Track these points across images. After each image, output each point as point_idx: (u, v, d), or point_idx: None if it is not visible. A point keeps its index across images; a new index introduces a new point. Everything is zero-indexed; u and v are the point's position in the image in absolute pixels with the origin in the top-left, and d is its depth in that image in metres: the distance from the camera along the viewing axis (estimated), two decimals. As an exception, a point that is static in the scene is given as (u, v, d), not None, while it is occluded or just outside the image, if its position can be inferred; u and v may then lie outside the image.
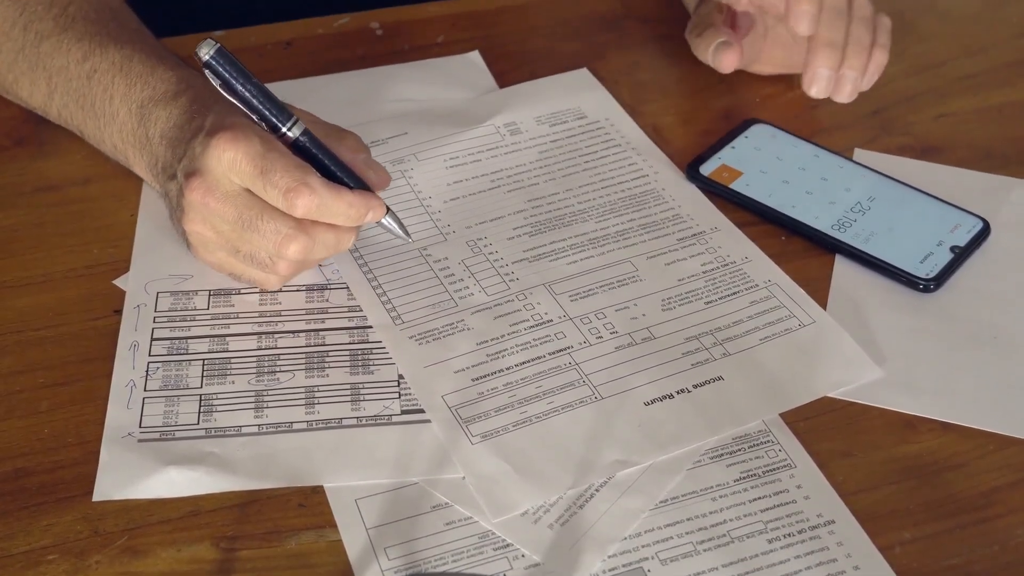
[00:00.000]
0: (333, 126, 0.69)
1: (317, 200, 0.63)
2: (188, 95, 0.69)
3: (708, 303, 0.70)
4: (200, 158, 0.64)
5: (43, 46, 0.73)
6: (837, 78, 0.77)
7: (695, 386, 0.66)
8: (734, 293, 0.71)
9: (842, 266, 0.73)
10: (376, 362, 0.67)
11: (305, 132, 0.66)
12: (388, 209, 0.68)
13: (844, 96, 0.77)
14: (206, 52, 0.64)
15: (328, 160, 0.66)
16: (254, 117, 0.65)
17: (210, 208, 0.64)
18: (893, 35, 0.82)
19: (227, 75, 0.64)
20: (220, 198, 0.64)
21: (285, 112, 0.65)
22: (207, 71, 0.64)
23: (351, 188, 0.66)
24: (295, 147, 0.66)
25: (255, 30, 0.89)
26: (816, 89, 0.77)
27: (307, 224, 0.65)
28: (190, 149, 0.65)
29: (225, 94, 0.65)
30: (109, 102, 0.71)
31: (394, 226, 0.69)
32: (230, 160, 0.63)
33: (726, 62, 0.78)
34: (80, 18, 0.74)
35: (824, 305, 0.70)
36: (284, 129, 0.65)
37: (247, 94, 0.65)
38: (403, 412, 0.64)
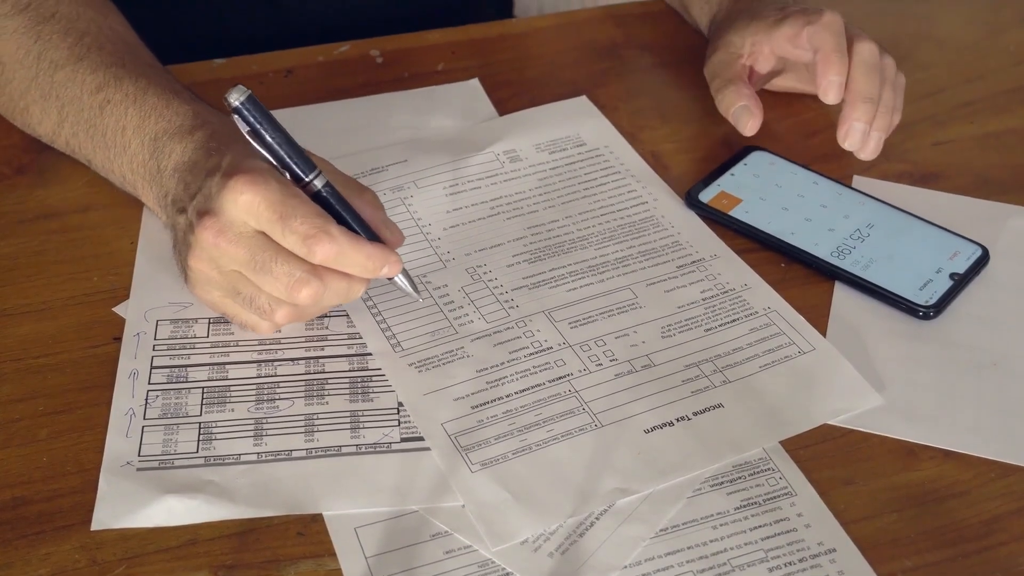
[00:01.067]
0: (352, 180, 0.69)
1: (336, 248, 0.63)
2: (204, 131, 0.69)
3: (708, 330, 0.70)
4: (215, 198, 0.64)
5: (57, 75, 0.74)
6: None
7: (695, 413, 0.65)
8: (734, 320, 0.71)
9: (842, 293, 0.73)
10: (375, 390, 0.67)
11: (327, 185, 0.66)
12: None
13: (868, 153, 0.79)
14: (236, 98, 0.64)
15: (347, 214, 0.66)
16: (277, 165, 0.65)
17: (220, 248, 0.64)
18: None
19: (255, 122, 0.65)
20: (232, 239, 0.64)
21: (309, 163, 0.66)
22: (236, 116, 0.65)
23: (369, 240, 0.66)
24: (316, 199, 0.66)
25: (256, 58, 0.89)
26: (851, 142, 0.78)
27: (320, 270, 0.64)
28: (205, 187, 0.65)
29: (252, 141, 0.65)
30: (121, 133, 0.72)
31: (405, 284, 0.69)
32: (247, 203, 0.63)
33: (748, 128, 0.80)
34: (95, 49, 0.74)
35: (824, 332, 0.70)
36: (308, 179, 0.66)
37: (273, 142, 0.65)
38: (402, 440, 0.64)
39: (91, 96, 0.73)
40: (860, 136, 0.78)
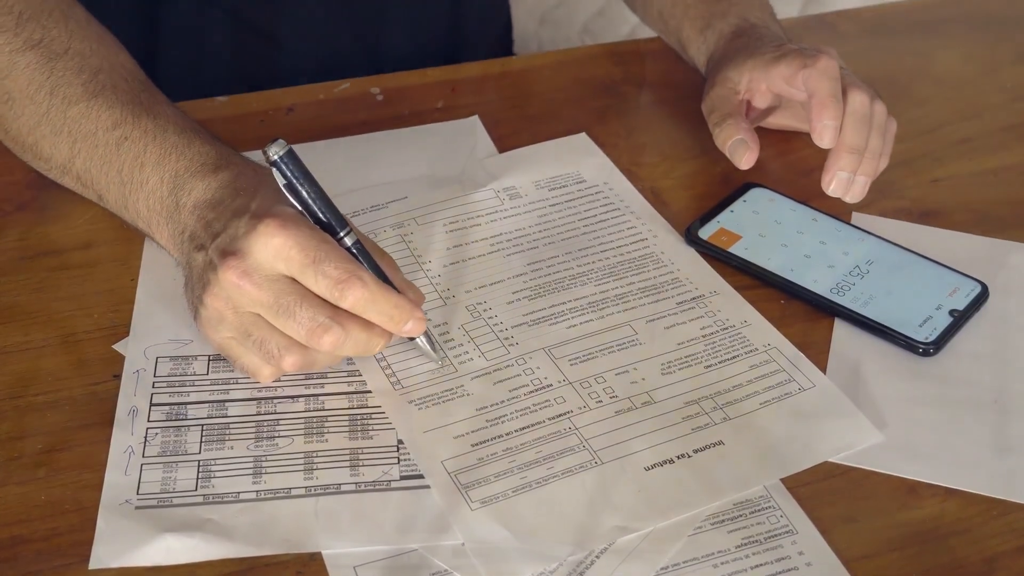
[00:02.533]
0: (372, 242, 0.69)
1: (368, 293, 0.64)
2: (230, 171, 0.69)
3: (708, 367, 0.70)
4: (243, 239, 0.64)
5: (71, 111, 0.74)
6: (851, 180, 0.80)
7: (695, 451, 0.65)
8: (734, 357, 0.71)
9: (841, 330, 0.73)
10: (375, 427, 0.67)
11: (357, 242, 0.66)
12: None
13: (853, 197, 0.80)
14: (275, 152, 0.65)
15: (375, 272, 0.67)
16: (310, 220, 0.66)
17: (243, 290, 0.64)
18: (890, 99, 0.83)
19: (292, 177, 0.65)
20: (257, 282, 0.64)
21: (342, 220, 0.66)
22: (274, 169, 0.65)
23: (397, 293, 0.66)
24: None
25: (257, 96, 0.89)
26: (835, 188, 0.79)
27: (344, 317, 0.65)
28: (231, 227, 0.65)
29: (287, 194, 0.66)
30: (139, 169, 0.72)
31: (426, 346, 0.69)
32: (278, 246, 0.63)
33: (744, 161, 0.80)
34: (110, 86, 0.74)
35: (824, 369, 0.70)
36: (340, 235, 0.66)
37: (308, 197, 0.66)
38: (402, 478, 0.64)
39: (107, 132, 0.73)
40: (844, 184, 0.79)
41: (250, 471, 0.64)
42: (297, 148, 0.85)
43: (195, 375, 0.69)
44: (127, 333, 0.71)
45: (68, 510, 0.62)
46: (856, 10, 1.03)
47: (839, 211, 0.81)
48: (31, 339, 0.71)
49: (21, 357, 0.70)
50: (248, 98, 0.89)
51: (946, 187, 0.84)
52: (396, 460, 0.65)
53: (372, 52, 0.97)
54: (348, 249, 0.66)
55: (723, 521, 0.62)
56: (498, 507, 0.62)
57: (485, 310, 0.73)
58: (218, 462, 0.64)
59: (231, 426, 0.66)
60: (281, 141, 0.65)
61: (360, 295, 0.64)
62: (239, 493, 0.63)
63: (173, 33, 0.95)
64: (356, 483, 0.64)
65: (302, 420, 0.67)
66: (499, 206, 0.81)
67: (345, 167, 0.83)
